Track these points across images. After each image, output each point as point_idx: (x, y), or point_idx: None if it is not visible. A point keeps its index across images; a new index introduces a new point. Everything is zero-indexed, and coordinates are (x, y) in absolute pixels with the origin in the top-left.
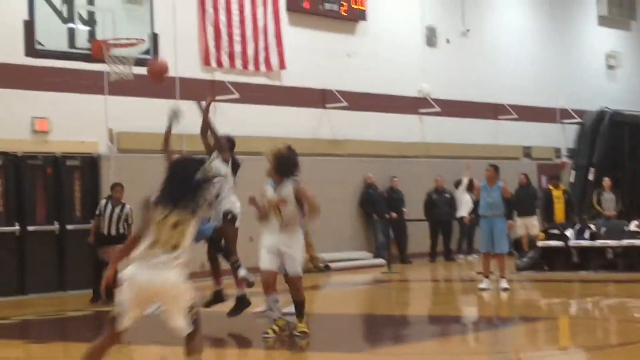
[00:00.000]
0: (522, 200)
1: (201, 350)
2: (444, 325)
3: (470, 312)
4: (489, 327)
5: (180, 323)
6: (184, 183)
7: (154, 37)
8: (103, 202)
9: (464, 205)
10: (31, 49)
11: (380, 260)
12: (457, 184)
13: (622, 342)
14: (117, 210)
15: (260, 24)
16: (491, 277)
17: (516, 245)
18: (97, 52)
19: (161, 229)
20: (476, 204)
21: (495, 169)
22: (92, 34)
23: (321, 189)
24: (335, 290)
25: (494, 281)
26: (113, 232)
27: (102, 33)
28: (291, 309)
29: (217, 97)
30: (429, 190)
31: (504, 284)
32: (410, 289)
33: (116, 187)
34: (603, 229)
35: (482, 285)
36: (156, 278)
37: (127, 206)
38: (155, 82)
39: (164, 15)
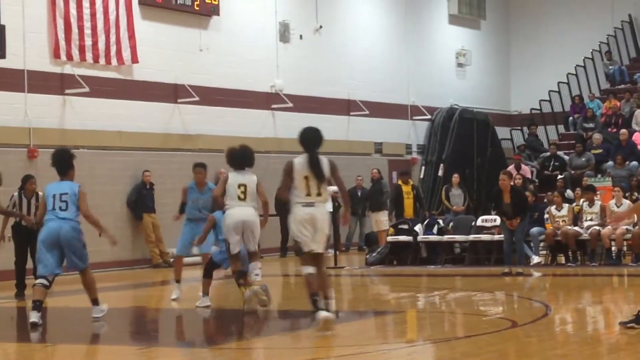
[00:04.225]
0: (373, 196)
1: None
2: (293, 320)
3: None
4: (337, 321)
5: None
6: None
7: (1, 29)
8: (16, 194)
9: None
10: None
11: None
12: None
13: (467, 334)
14: (33, 201)
15: (112, 17)
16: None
17: (367, 240)
18: None
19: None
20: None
21: (204, 167)
22: None
23: (172, 184)
24: (184, 285)
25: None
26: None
27: None
28: None
29: (67, 91)
30: (280, 186)
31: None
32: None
33: (30, 179)
34: (451, 224)
35: (173, 296)
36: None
37: (41, 195)
38: None
39: (12, 7)
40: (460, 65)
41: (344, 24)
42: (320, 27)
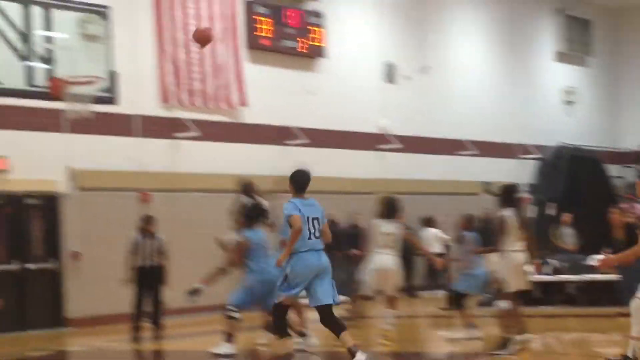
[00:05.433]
0: (484, 236)
1: None
2: None
3: (438, 348)
4: None
5: None
6: None
7: (113, 75)
8: (136, 236)
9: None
10: None
11: (344, 297)
12: (427, 221)
13: None
14: (150, 242)
15: (220, 61)
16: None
17: None
18: (55, 90)
19: None
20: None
21: None
22: (50, 72)
23: None
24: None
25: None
26: (149, 263)
27: (61, 71)
28: None
29: (177, 135)
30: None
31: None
32: (375, 325)
33: (150, 220)
34: (563, 264)
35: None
36: None
37: (160, 236)
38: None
39: (123, 53)
40: (567, 102)
41: (449, 64)
42: (426, 67)
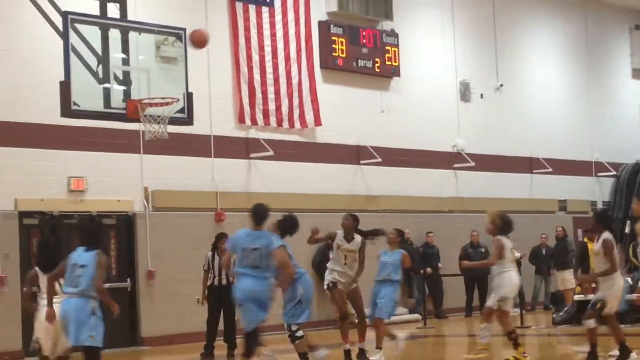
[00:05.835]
0: (558, 254)
1: None
2: None
3: None
4: None
5: None
6: None
7: (189, 96)
8: (209, 254)
9: None
10: (67, 109)
11: (416, 316)
12: None
13: None
14: None
15: (295, 81)
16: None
17: (553, 299)
18: (132, 111)
19: None
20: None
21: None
22: (127, 94)
23: None
24: (371, 346)
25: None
26: (224, 282)
27: (137, 93)
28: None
29: (251, 155)
30: (464, 245)
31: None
32: (446, 344)
33: (223, 238)
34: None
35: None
36: None
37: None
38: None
39: (199, 75)
40: None
41: (524, 82)
42: (501, 85)
